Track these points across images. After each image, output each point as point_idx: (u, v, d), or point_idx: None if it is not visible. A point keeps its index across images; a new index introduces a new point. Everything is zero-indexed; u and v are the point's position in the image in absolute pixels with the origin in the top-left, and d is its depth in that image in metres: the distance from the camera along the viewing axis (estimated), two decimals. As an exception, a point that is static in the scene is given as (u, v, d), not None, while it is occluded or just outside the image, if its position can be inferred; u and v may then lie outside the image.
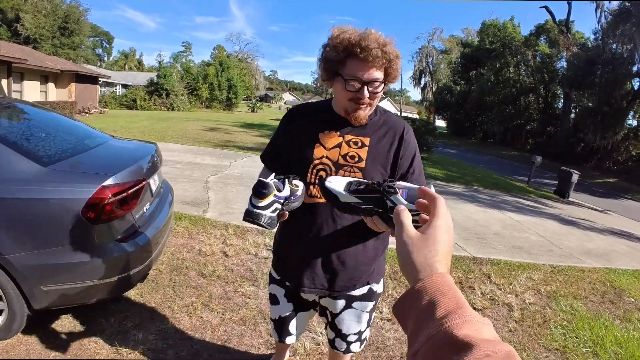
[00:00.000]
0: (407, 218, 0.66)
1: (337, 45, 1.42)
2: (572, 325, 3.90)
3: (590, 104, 28.12)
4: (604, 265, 6.01)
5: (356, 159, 1.54)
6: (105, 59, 79.63)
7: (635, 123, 27.59)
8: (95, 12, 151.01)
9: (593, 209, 12.67)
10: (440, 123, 46.64)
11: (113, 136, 3.54)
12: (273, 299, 1.87)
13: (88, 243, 2.32)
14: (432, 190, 0.73)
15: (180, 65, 52.96)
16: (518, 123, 35.48)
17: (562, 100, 32.39)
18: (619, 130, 25.07)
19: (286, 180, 1.34)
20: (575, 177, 13.18)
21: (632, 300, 4.83)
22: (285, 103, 71.84)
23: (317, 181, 1.54)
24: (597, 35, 27.43)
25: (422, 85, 55.68)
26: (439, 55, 53.26)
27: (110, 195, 2.31)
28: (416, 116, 43.66)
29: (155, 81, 34.34)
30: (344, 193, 1.05)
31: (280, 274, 1.82)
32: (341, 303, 1.74)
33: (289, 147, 1.65)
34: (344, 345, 1.85)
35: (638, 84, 25.46)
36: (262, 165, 1.81)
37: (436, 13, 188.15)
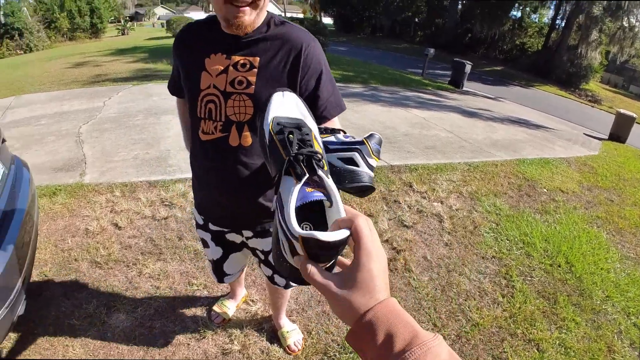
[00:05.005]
0: (317, 275, 0.52)
1: None
2: (500, 226, 3.79)
3: (476, -5, 28.44)
4: (513, 156, 6.07)
5: (244, 85, 1.29)
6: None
7: (519, 14, 28.61)
8: None
9: (487, 97, 13.15)
10: (326, 20, 44.87)
11: None
12: (204, 243, 1.78)
13: None
14: (348, 213, 0.55)
15: (30, -5, 43.98)
16: (406, 16, 35.21)
17: (448, -9, 32.37)
18: (505, 21, 26.03)
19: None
20: (468, 68, 13.46)
21: (545, 190, 4.90)
22: (158, 19, 63.62)
23: (206, 115, 1.34)
24: None
25: (305, -18, 52.29)
26: (321, -50, 49.64)
27: None
28: (301, 16, 41.54)
29: (2, 22, 28.23)
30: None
31: (202, 216, 1.68)
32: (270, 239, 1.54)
33: (181, 77, 1.44)
34: (284, 281, 1.81)
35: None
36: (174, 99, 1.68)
37: None
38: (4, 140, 2.55)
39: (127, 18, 51.48)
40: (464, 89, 13.61)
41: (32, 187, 2.55)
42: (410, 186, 4.38)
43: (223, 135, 1.33)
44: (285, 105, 0.73)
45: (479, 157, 5.75)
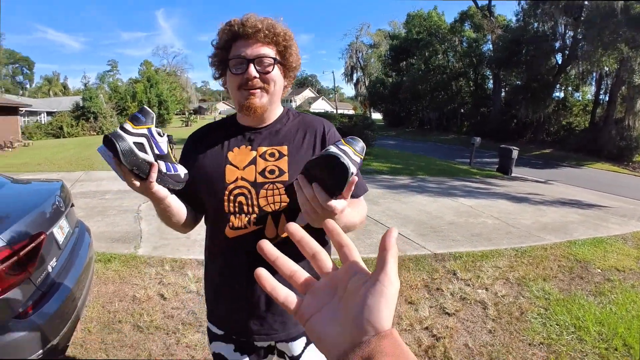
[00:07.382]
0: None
1: (221, 34, 1.30)
2: (549, 311, 3.72)
3: (518, 82, 29.31)
4: (563, 239, 5.98)
5: (276, 173, 1.30)
6: (28, 86, 75.82)
7: (562, 95, 28.92)
8: (11, 37, 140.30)
9: (537, 181, 13.02)
10: (376, 116, 47.10)
11: (13, 179, 2.97)
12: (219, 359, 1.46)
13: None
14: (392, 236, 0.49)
15: (108, 85, 50.03)
16: (452, 107, 36.43)
17: (491, 81, 33.52)
18: (549, 103, 26.29)
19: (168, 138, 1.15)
20: (515, 153, 13.55)
21: (599, 270, 4.77)
22: (220, 113, 69.39)
23: (237, 210, 1.29)
24: (519, 16, 28.41)
25: (354, 81, 55.78)
26: (369, 50, 53.30)
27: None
28: (352, 112, 43.93)
29: (81, 105, 32.01)
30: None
31: (223, 326, 1.44)
32: (300, 342, 1.41)
33: (194, 177, 1.33)
34: None
35: (561, 58, 26.68)
36: None
37: (361, 9, 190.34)
38: (72, 205, 2.98)
39: (192, 111, 56.25)
40: (513, 174, 13.59)
41: (91, 250, 2.92)
42: (454, 274, 4.42)
43: (257, 228, 1.28)
44: None
45: (527, 242, 5.72)
